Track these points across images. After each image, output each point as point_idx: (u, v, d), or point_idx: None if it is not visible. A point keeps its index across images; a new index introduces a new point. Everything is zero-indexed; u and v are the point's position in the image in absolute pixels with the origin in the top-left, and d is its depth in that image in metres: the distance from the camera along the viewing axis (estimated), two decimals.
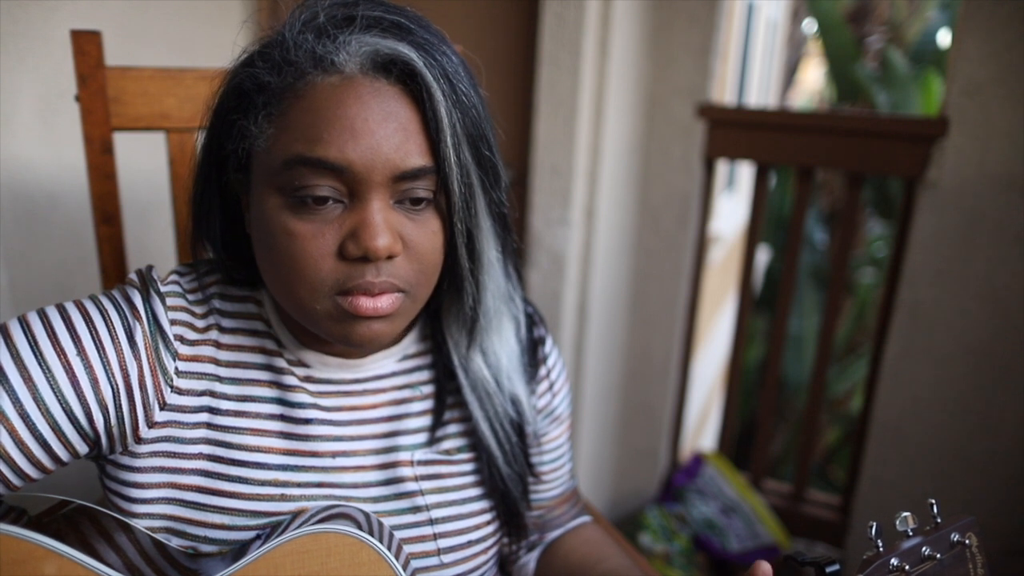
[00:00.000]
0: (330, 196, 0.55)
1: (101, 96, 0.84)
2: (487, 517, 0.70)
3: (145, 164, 1.17)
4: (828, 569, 0.51)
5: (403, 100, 0.55)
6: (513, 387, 0.71)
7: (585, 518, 0.83)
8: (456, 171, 0.56)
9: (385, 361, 0.68)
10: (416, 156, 0.55)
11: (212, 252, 0.66)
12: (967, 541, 0.55)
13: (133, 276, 0.64)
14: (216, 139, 0.60)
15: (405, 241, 0.57)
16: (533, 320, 0.76)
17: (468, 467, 0.70)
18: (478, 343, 0.68)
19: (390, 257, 0.56)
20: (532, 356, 0.74)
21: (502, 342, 0.70)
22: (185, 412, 0.61)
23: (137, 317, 0.59)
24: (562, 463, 0.79)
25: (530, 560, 0.79)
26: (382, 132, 0.54)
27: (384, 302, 0.57)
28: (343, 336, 0.58)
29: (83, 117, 0.84)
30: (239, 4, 1.49)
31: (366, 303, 0.56)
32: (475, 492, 0.69)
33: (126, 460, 0.60)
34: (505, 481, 0.69)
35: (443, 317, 0.69)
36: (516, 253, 0.71)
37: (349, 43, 0.54)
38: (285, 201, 0.55)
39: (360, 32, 0.54)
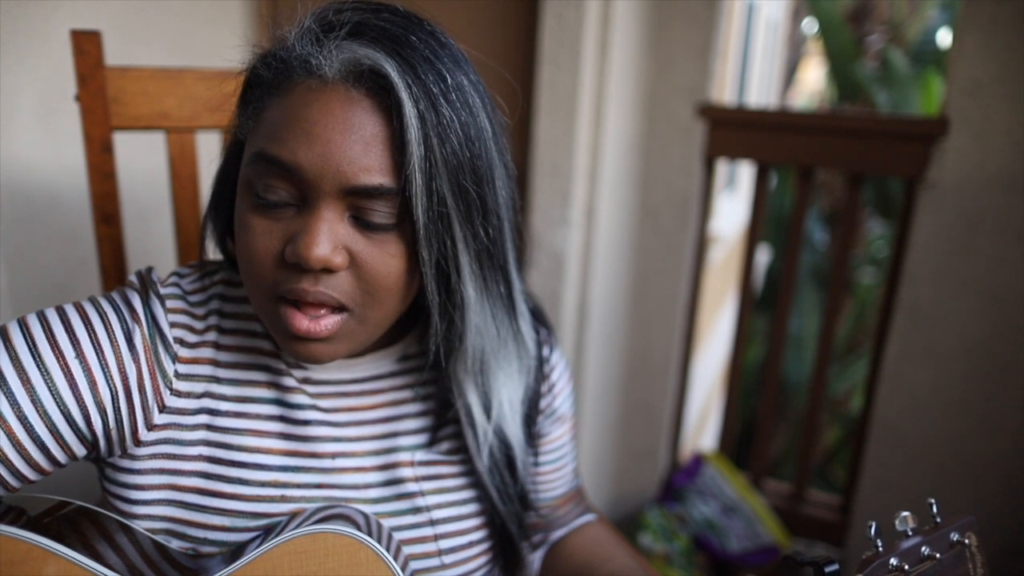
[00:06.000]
0: (283, 199, 0.54)
1: (101, 96, 0.84)
2: (488, 518, 0.70)
3: (145, 164, 1.17)
4: (827, 569, 0.50)
5: (375, 114, 0.52)
6: (510, 432, 0.68)
7: (590, 516, 0.83)
8: (423, 198, 0.52)
9: (384, 360, 0.68)
10: (375, 174, 0.52)
11: (216, 245, 0.66)
12: (967, 541, 0.55)
13: (133, 278, 0.64)
14: (233, 129, 0.61)
15: (354, 257, 0.54)
16: (537, 316, 0.75)
17: (469, 467, 0.69)
18: (464, 379, 0.64)
19: (331, 271, 0.54)
20: (538, 372, 0.73)
21: (502, 385, 0.66)
22: (184, 414, 0.60)
23: (136, 320, 0.59)
24: (564, 463, 0.79)
25: (534, 559, 0.79)
26: (340, 141, 0.51)
27: (322, 325, 0.55)
28: (288, 351, 0.57)
29: (83, 117, 0.84)
30: (239, 4, 1.49)
31: (301, 322, 0.54)
32: (476, 493, 0.69)
33: (125, 463, 0.60)
34: (502, 517, 0.69)
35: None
36: (525, 295, 0.68)
37: (335, 49, 0.52)
38: (249, 195, 0.55)
39: (349, 38, 0.53)
